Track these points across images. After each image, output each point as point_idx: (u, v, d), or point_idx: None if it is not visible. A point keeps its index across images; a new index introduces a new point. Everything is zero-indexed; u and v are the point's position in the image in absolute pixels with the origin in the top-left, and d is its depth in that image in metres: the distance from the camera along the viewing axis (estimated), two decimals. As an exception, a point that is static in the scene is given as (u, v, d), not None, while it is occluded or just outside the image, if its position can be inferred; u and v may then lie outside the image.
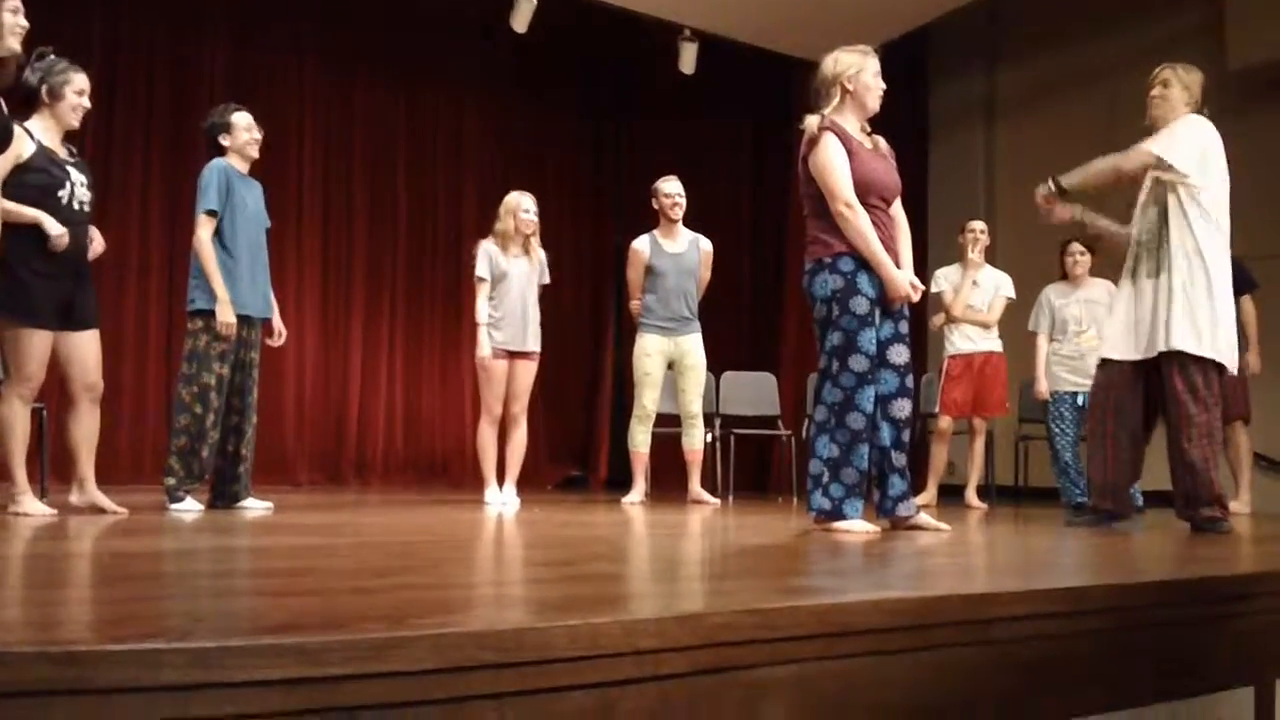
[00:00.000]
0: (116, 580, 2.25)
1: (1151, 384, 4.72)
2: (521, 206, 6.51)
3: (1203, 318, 4.57)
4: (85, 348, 4.86)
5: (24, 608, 1.85)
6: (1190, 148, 4.63)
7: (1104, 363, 4.84)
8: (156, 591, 2.15)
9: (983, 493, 7.51)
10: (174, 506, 5.10)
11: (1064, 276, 7.25)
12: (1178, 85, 4.77)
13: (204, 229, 5.29)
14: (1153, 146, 4.65)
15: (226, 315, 5.20)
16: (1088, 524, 4.79)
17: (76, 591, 2.07)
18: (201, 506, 5.19)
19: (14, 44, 4.41)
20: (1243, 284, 7.02)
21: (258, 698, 1.38)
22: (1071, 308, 7.14)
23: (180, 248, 8.79)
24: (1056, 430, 7.07)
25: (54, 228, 4.57)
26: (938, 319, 7.55)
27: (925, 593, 2.17)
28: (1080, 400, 7.03)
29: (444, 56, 10.01)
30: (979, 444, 7.38)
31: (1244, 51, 8.39)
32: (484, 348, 6.43)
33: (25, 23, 4.40)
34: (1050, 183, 4.66)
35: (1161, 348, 4.59)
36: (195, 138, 8.76)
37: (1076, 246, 7.20)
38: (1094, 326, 7.02)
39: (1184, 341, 4.56)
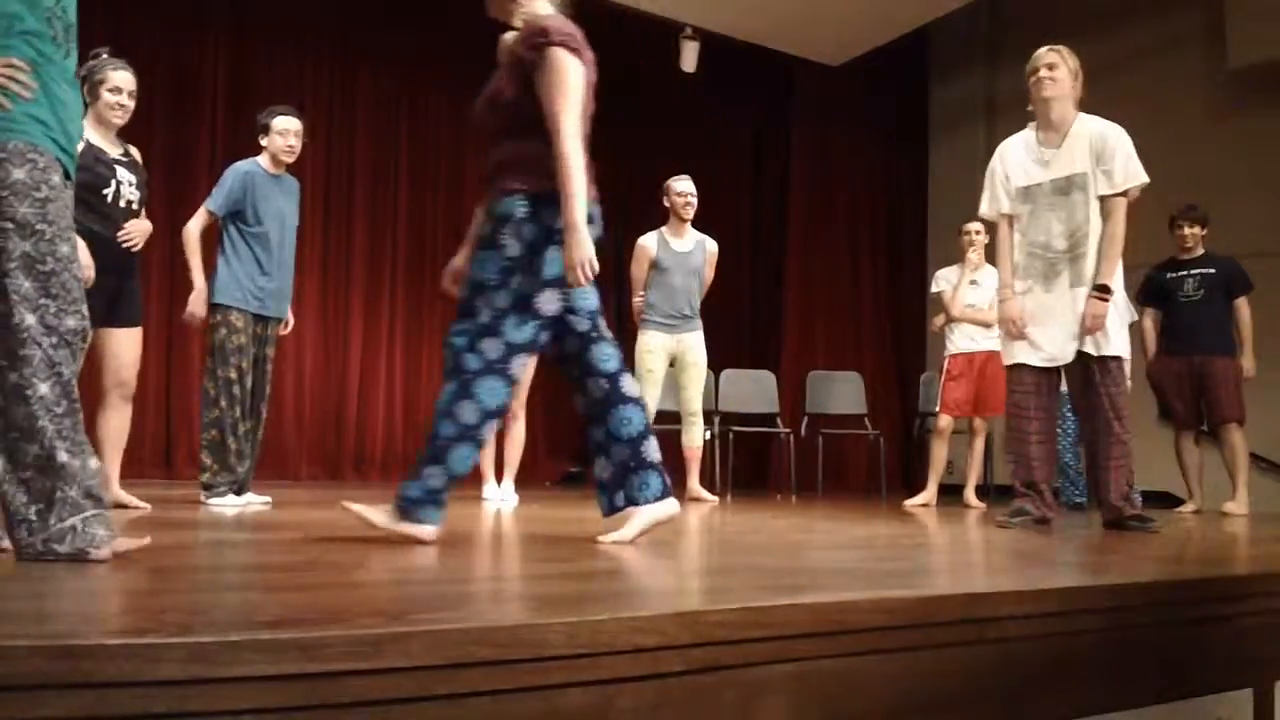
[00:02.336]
0: (114, 574, 2.24)
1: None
2: None
3: (1119, 319, 4.74)
4: (124, 344, 4.87)
5: (21, 601, 1.85)
6: (1135, 159, 4.70)
7: (1019, 368, 4.83)
8: (154, 586, 2.15)
9: (981, 492, 7.50)
10: (212, 501, 5.08)
11: None
12: (1064, 67, 4.75)
13: (194, 220, 5.43)
14: (1128, 184, 4.65)
15: (198, 308, 5.30)
16: (1024, 524, 4.80)
17: (72, 585, 2.07)
18: (243, 501, 5.16)
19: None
20: (1240, 286, 7.03)
21: (255, 693, 1.38)
22: None
23: (181, 246, 8.79)
24: (1056, 431, 7.07)
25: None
26: (938, 320, 7.54)
27: (923, 592, 2.17)
28: None
29: (445, 53, 10.00)
30: (979, 443, 7.37)
31: (1245, 51, 8.40)
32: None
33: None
34: (1100, 293, 4.60)
35: (1092, 351, 4.66)
36: (197, 135, 8.82)
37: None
38: None
39: (1119, 347, 4.70)
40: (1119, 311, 4.74)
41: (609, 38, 10.32)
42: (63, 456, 2.40)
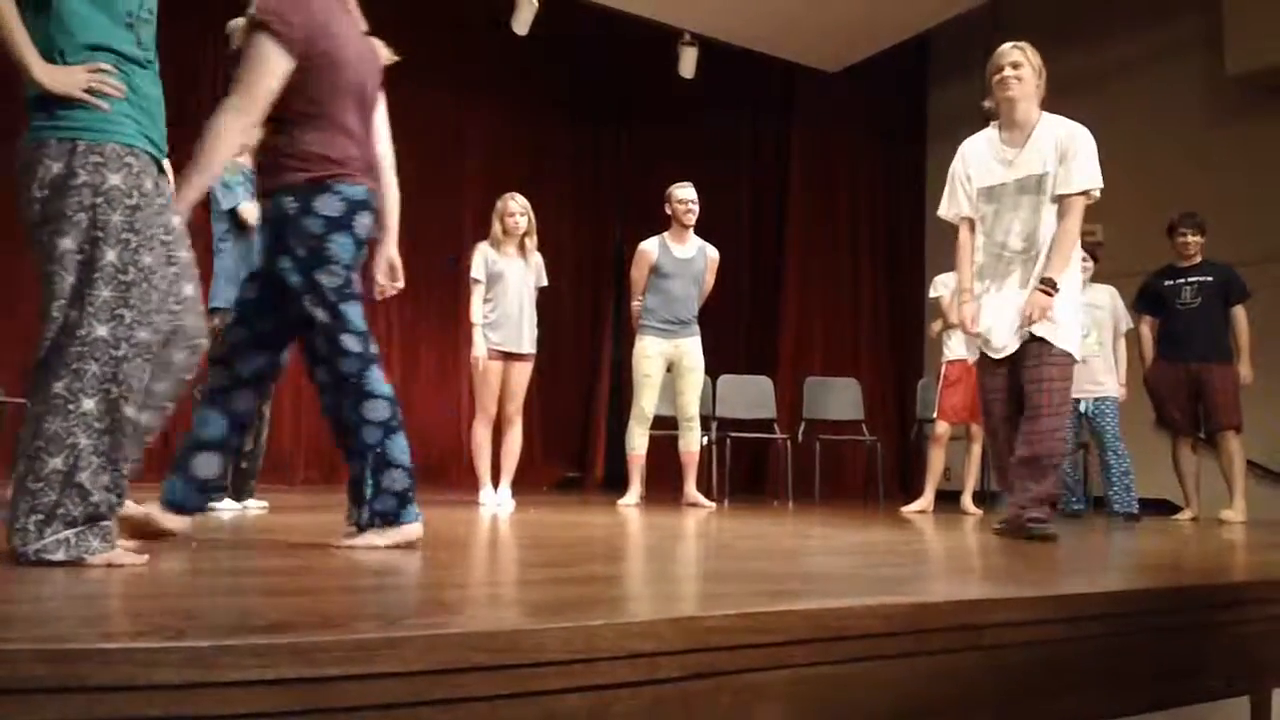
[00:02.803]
0: (109, 578, 2.24)
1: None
2: (507, 210, 6.55)
3: (1076, 322, 4.63)
4: None
5: (18, 605, 1.85)
6: (1097, 162, 4.60)
7: (986, 376, 4.74)
8: (150, 590, 2.15)
9: (979, 498, 7.51)
10: (211, 505, 5.08)
11: None
12: (1029, 66, 4.65)
13: (245, 209, 5.30)
14: (1088, 186, 4.54)
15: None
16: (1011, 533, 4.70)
17: (69, 589, 2.07)
18: (240, 505, 5.16)
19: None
20: (1237, 293, 7.03)
21: (250, 697, 1.38)
22: None
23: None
24: None
25: None
26: (936, 325, 7.54)
27: (919, 598, 2.17)
28: (1084, 407, 7.05)
29: (445, 58, 10.00)
30: (976, 450, 7.36)
31: (1242, 58, 8.40)
32: (478, 348, 6.46)
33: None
34: (1045, 286, 4.48)
35: (1044, 335, 4.50)
36: (196, 135, 8.81)
37: (1080, 252, 7.22)
38: (1095, 332, 7.04)
39: (1070, 345, 4.54)
40: (1076, 313, 4.61)
41: (609, 42, 10.35)
42: (82, 476, 2.39)
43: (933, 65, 11.09)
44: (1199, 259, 7.14)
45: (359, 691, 1.44)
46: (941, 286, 7.43)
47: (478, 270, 6.52)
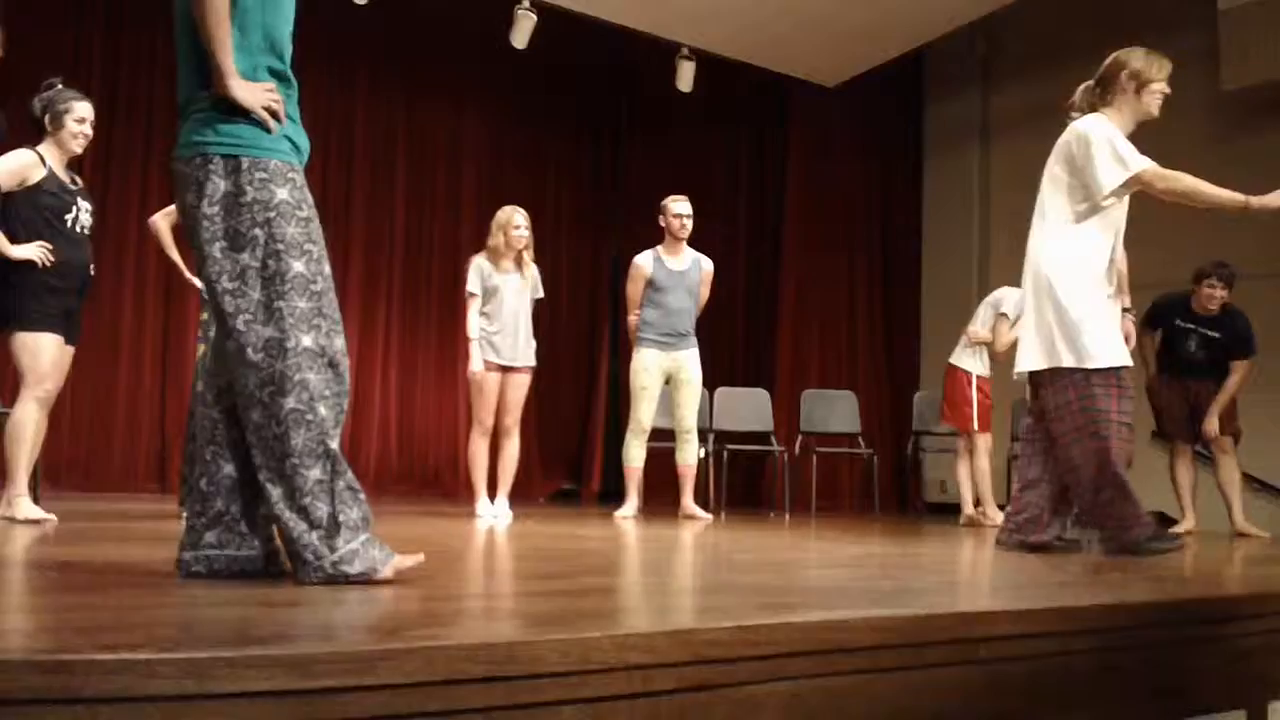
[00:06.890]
0: (107, 588, 2.24)
1: None
2: (512, 223, 6.54)
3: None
4: (66, 362, 5.01)
5: (13, 615, 1.84)
6: None
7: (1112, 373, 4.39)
8: (147, 601, 2.15)
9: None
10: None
11: None
12: None
13: (163, 214, 5.75)
14: None
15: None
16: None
17: (67, 599, 2.06)
18: None
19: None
20: (1240, 352, 6.94)
21: (247, 709, 1.38)
22: None
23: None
24: None
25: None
26: (984, 333, 7.45)
27: (917, 611, 2.17)
28: None
29: (444, 71, 10.02)
30: (984, 463, 7.34)
31: (1238, 74, 8.43)
32: (475, 362, 6.45)
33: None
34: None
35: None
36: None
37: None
38: None
39: None
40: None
41: (608, 56, 10.36)
42: (347, 478, 2.43)
43: (929, 80, 11.11)
44: (1216, 310, 6.95)
45: (356, 703, 1.43)
46: (1009, 305, 7.18)
47: (473, 284, 6.52)
